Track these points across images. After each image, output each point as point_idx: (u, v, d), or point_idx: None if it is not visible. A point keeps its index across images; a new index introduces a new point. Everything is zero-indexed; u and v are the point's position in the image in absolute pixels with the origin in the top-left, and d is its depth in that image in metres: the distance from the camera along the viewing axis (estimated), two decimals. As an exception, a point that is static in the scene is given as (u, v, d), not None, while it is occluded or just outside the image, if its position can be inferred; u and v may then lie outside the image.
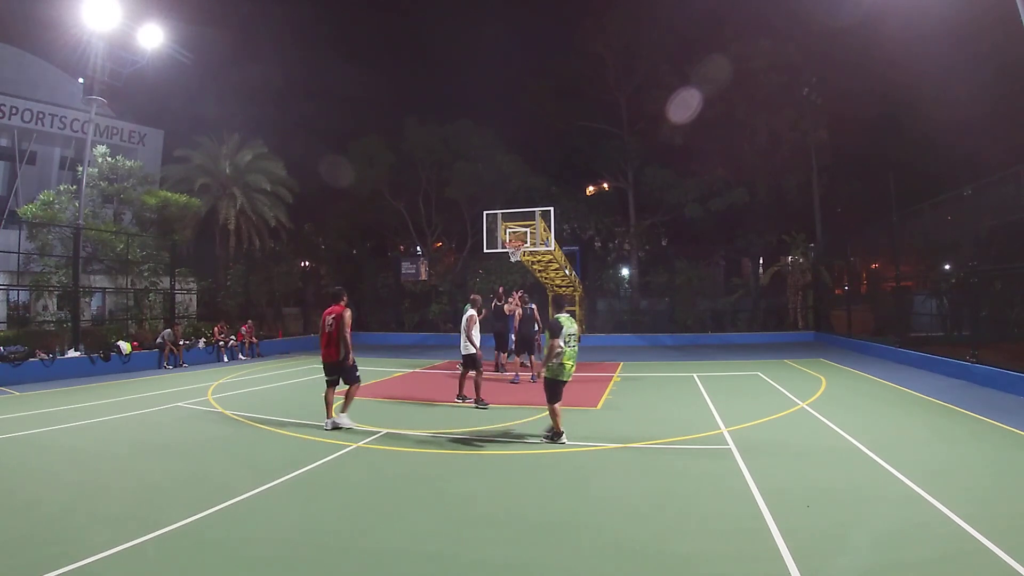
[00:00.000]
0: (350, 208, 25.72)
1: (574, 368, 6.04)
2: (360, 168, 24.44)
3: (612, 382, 10.70)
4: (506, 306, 11.10)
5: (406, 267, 23.95)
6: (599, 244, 27.06)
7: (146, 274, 16.71)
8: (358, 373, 7.06)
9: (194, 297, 18.96)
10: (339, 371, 6.98)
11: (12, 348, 11.88)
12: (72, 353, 12.91)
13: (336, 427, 6.80)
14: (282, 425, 7.20)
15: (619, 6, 24.01)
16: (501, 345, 11.42)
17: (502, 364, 11.67)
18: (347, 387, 6.97)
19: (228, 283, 20.18)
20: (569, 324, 5.97)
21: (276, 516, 4.15)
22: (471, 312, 8.42)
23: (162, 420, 7.79)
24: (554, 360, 5.84)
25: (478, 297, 8.91)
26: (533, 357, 10.59)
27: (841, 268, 19.15)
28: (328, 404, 6.96)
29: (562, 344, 5.79)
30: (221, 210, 20.05)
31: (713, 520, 3.92)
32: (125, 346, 13.74)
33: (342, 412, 6.93)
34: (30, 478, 5.17)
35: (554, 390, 5.99)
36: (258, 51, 28.67)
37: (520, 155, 24.75)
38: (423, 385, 10.61)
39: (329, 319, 6.95)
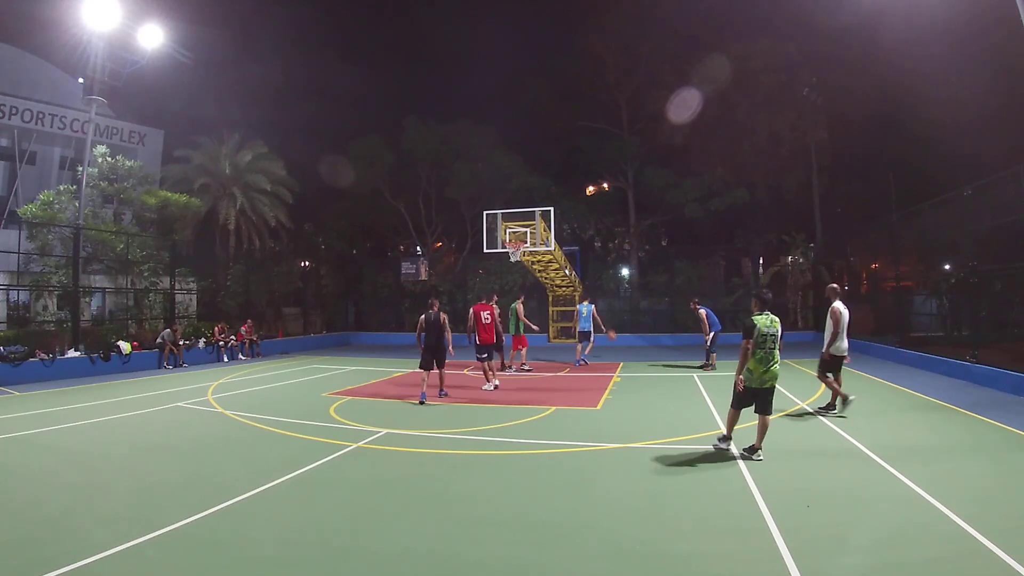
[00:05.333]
0: (350, 208, 25.73)
1: (769, 374, 5.25)
2: (360, 168, 24.44)
3: (612, 382, 10.70)
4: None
5: (406, 267, 23.96)
6: (599, 244, 27.05)
7: (146, 274, 16.71)
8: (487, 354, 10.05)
9: (194, 297, 18.95)
10: (493, 349, 10.10)
11: (12, 348, 11.89)
12: (72, 353, 12.91)
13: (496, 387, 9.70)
14: (282, 425, 7.21)
15: (619, 6, 23.99)
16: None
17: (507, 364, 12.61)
18: (488, 360, 9.90)
19: (228, 283, 20.17)
20: (767, 324, 5.25)
21: (276, 516, 4.15)
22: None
23: (162, 420, 7.79)
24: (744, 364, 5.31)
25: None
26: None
27: (841, 268, 19.13)
28: (488, 371, 9.85)
29: (751, 346, 5.23)
30: (221, 210, 20.05)
31: (713, 520, 3.92)
32: (125, 346, 13.74)
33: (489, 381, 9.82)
34: (30, 478, 5.17)
35: (738, 397, 5.41)
36: (258, 51, 28.67)
37: (520, 155, 24.73)
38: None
39: (484, 314, 10.11)
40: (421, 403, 8.46)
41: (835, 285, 7.91)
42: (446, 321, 8.83)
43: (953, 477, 4.69)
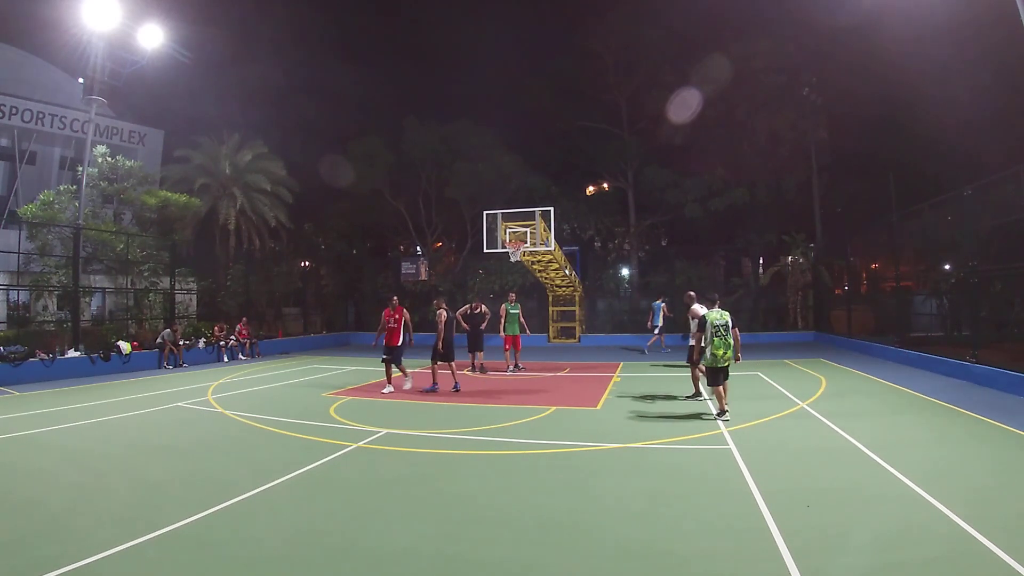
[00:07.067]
0: (350, 208, 25.73)
1: (728, 355, 6.91)
2: (360, 168, 24.45)
3: (612, 382, 10.71)
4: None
5: (406, 267, 23.96)
6: (599, 244, 27.06)
7: (146, 274, 16.69)
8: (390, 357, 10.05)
9: (194, 297, 18.93)
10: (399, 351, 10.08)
11: (12, 348, 11.87)
12: (72, 353, 12.90)
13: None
14: (282, 425, 7.21)
15: (619, 6, 24.03)
16: (473, 346, 12.20)
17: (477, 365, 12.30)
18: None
19: (228, 283, 20.15)
20: (717, 317, 6.93)
21: (276, 516, 4.15)
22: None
23: (162, 420, 7.79)
24: (705, 351, 6.97)
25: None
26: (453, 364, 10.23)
27: (841, 268, 19.13)
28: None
29: (707, 336, 6.88)
30: (221, 210, 20.04)
31: (713, 520, 3.92)
32: (125, 346, 13.73)
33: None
34: (30, 478, 5.17)
35: (710, 375, 7.05)
36: (258, 51, 28.73)
37: (520, 155, 24.73)
38: (423, 385, 10.57)
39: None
40: (456, 390, 9.74)
41: (692, 293, 9.12)
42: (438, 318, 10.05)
43: (953, 477, 4.70)
